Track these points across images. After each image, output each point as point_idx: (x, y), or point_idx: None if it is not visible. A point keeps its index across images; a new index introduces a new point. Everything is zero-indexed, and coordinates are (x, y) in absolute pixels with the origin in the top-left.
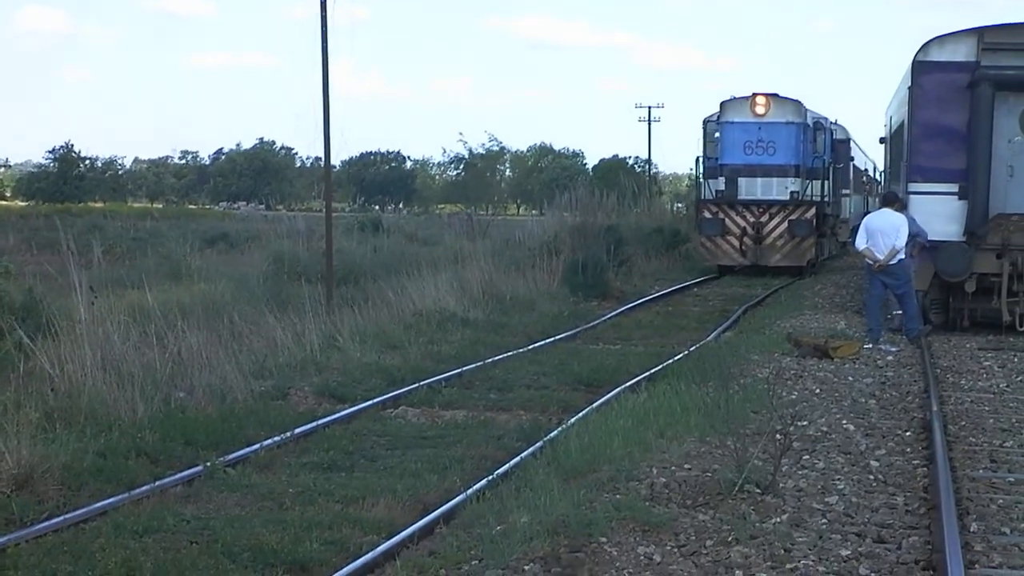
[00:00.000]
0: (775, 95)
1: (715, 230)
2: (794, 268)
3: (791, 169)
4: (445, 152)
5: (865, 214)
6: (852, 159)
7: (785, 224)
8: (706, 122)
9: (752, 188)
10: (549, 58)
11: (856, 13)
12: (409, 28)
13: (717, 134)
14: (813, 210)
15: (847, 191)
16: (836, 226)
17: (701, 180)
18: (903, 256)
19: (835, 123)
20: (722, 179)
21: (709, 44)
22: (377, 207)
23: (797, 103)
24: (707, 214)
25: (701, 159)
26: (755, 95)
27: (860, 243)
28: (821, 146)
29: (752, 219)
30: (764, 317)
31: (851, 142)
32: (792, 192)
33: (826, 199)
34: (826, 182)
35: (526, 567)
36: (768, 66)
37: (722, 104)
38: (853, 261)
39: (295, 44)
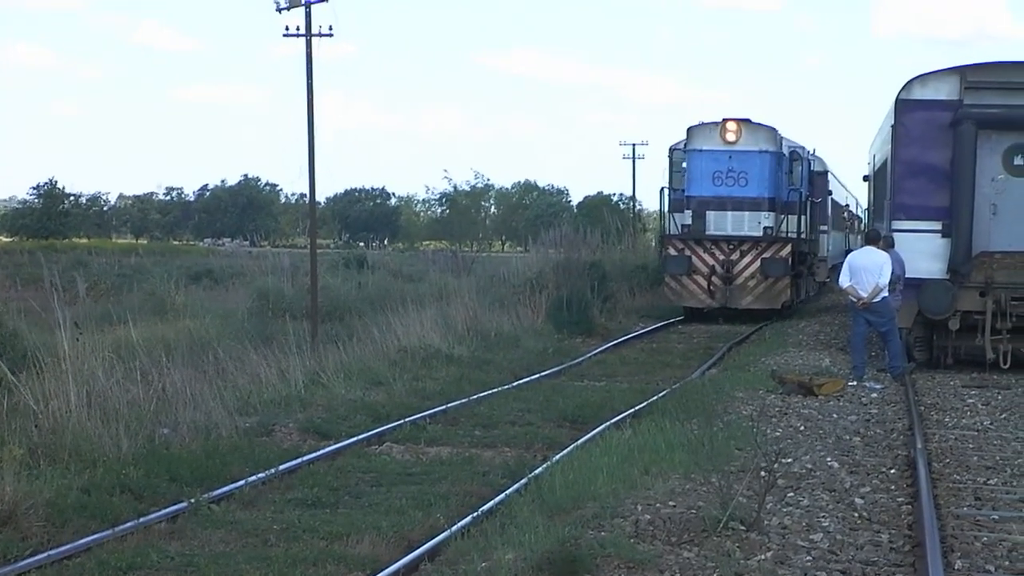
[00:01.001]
0: (747, 120)
1: (681, 268)
2: (767, 312)
3: (764, 202)
4: (429, 189)
5: (847, 252)
6: (831, 193)
7: (757, 263)
8: (672, 150)
9: (721, 223)
10: (536, 94)
11: (844, 51)
12: (396, 63)
13: (684, 163)
14: (788, 247)
15: (825, 227)
16: (814, 265)
17: (666, 213)
18: (886, 294)
19: (813, 154)
20: (689, 212)
21: (697, 80)
22: (362, 244)
23: (771, 130)
24: (672, 251)
25: (666, 190)
26: (725, 120)
27: (844, 281)
28: (797, 178)
29: (721, 257)
30: (748, 354)
31: (829, 175)
32: (765, 228)
33: (803, 235)
34: (803, 217)
35: None
36: (755, 100)
37: (689, 130)
38: (837, 299)
39: (281, 80)
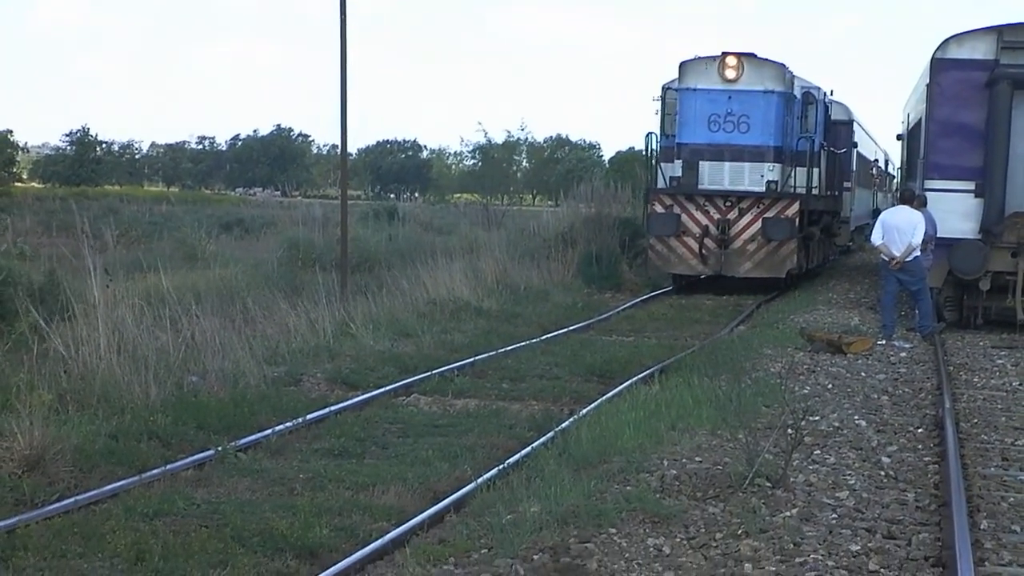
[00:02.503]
0: (751, 55)
1: (668, 229)
2: (770, 280)
3: (769, 152)
4: (463, 141)
5: (875, 212)
6: (856, 145)
7: (759, 223)
8: (665, 89)
9: (718, 175)
10: (570, 48)
11: (884, 8)
12: (432, 19)
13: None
14: (796, 206)
15: (849, 184)
16: (834, 226)
17: (654, 164)
18: (919, 253)
19: (831, 97)
20: (679, 163)
21: (729, 34)
22: (393, 195)
23: (780, 66)
24: (659, 208)
25: (653, 136)
26: (725, 54)
27: (876, 239)
28: (812, 124)
29: (717, 216)
30: (778, 312)
31: (855, 124)
32: (769, 182)
33: (815, 191)
34: (816, 170)
35: (535, 556)
36: (792, 55)
37: (682, 65)
38: (868, 258)
39: (314, 32)
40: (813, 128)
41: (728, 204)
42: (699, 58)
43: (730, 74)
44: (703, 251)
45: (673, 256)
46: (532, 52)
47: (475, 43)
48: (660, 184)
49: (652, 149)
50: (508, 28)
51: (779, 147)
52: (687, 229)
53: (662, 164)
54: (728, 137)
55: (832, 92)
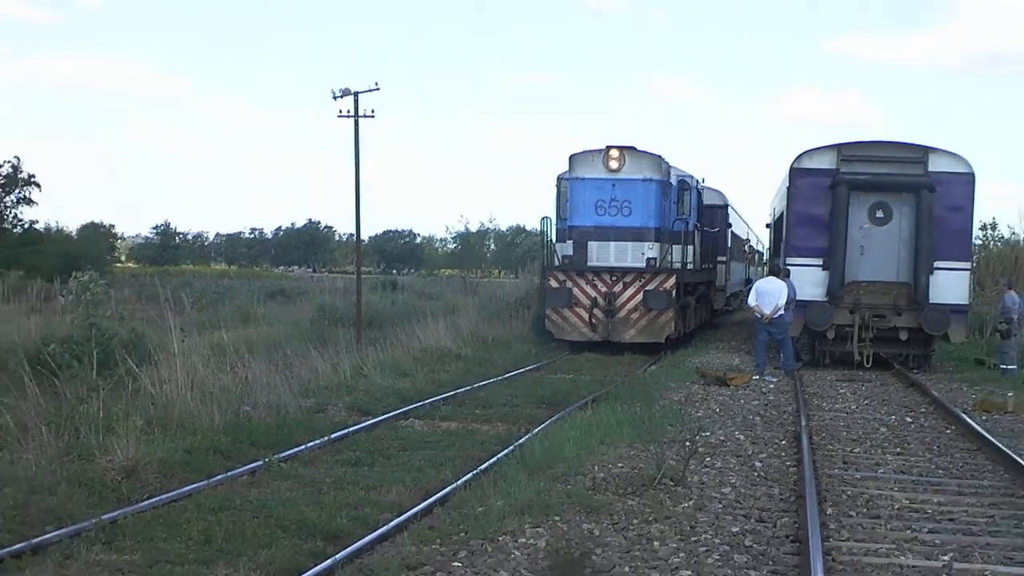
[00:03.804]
0: (631, 148)
1: (562, 301)
2: (650, 345)
3: (649, 232)
4: (448, 229)
5: (747, 281)
6: (730, 226)
7: (640, 295)
8: (559, 179)
9: (604, 254)
10: (529, 156)
11: (756, 131)
12: (423, 136)
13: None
14: (673, 279)
15: (723, 258)
16: (710, 294)
17: (551, 243)
18: (783, 312)
19: (704, 184)
20: (571, 243)
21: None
22: (395, 271)
23: (657, 158)
24: (554, 283)
25: (551, 220)
26: (609, 148)
27: (752, 301)
28: (687, 207)
29: (604, 289)
30: (679, 356)
31: (729, 208)
32: (649, 259)
33: (690, 266)
34: (691, 247)
35: (500, 538)
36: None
37: (571, 158)
38: (745, 316)
39: (337, 146)
40: (688, 211)
41: (613, 279)
42: (586, 151)
43: (613, 164)
44: (592, 320)
45: (567, 325)
46: (501, 160)
47: (458, 153)
48: (556, 262)
49: (546, 231)
50: (485, 140)
51: (658, 228)
52: (578, 301)
53: (557, 244)
54: (613, 220)
55: (704, 180)
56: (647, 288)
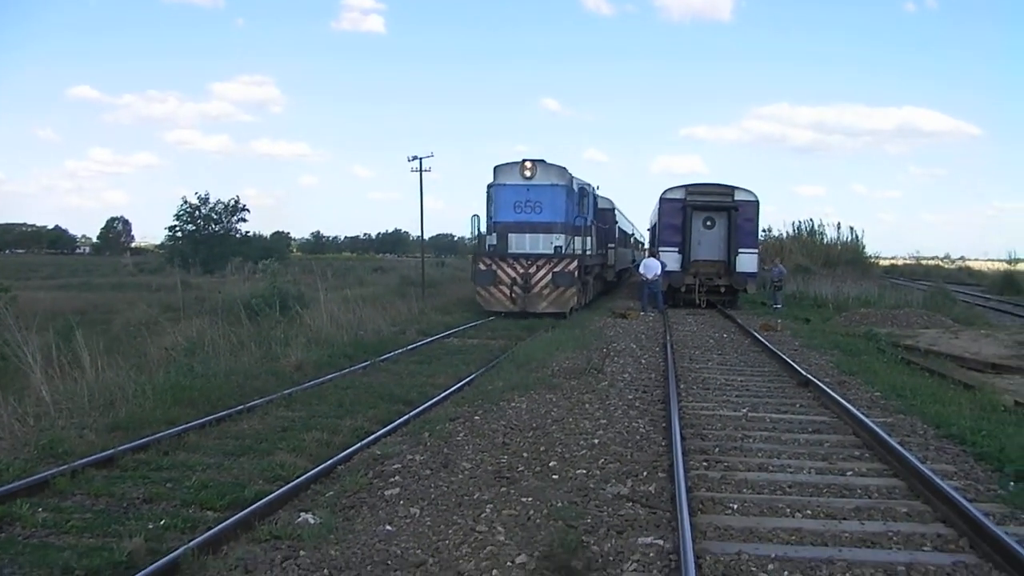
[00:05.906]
0: (542, 161)
1: (488, 280)
2: (558, 314)
3: (556, 226)
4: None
5: (632, 261)
6: (617, 223)
7: (550, 275)
8: (488, 185)
9: (521, 243)
10: None
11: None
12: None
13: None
14: (575, 262)
15: (612, 245)
16: (604, 273)
17: (483, 236)
18: (658, 275)
19: (598, 191)
20: (495, 235)
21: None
22: (443, 257)
23: (562, 169)
24: (482, 266)
25: (481, 218)
26: (524, 160)
27: (641, 270)
28: (585, 208)
29: (521, 270)
30: (605, 302)
31: (616, 211)
32: (556, 247)
33: (588, 252)
34: (589, 238)
35: (500, 403)
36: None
37: (495, 168)
38: (634, 280)
39: (411, 183)
40: (586, 211)
41: (528, 262)
42: (508, 163)
43: (527, 173)
44: (513, 295)
45: (492, 299)
46: None
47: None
48: (485, 250)
49: (477, 226)
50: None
51: (563, 223)
52: (501, 280)
53: (487, 236)
54: (528, 217)
55: (599, 187)
56: (555, 270)
